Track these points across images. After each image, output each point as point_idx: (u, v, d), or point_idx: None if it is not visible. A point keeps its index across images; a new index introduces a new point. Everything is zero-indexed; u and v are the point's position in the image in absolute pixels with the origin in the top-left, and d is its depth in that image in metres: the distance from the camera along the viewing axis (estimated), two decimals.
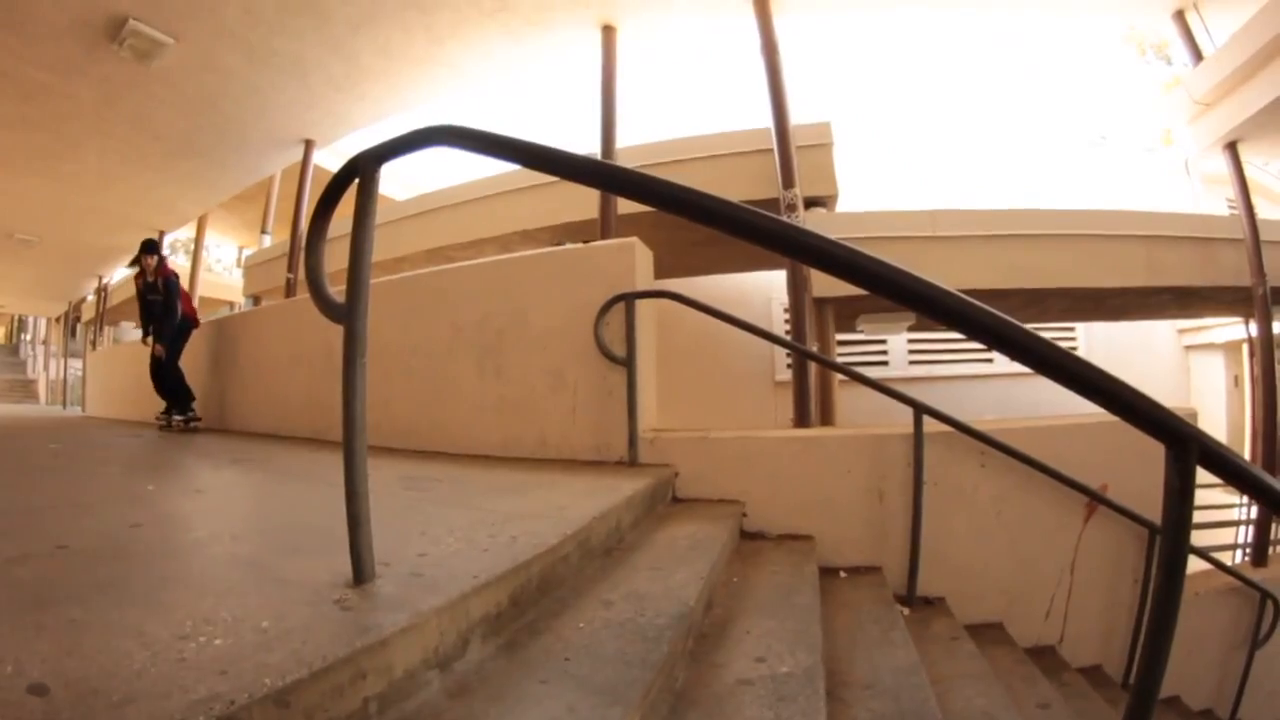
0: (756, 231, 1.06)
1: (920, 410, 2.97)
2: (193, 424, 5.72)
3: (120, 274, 13.44)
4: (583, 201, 5.19)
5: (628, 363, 3.08)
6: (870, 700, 1.76)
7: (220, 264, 18.13)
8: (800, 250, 1.08)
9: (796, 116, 4.76)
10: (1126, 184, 9.92)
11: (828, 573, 2.86)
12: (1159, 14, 5.67)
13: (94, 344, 14.17)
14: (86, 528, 1.84)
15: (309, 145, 7.17)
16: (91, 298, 14.68)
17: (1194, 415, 3.49)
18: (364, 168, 1.43)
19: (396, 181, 10.68)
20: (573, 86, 6.29)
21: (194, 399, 5.82)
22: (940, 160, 9.88)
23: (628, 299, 3.08)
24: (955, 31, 6.42)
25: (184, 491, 2.73)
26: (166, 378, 5.70)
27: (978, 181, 10.00)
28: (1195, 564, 3.94)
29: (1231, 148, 5.45)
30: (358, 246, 1.43)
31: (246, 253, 12.48)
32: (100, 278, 13.46)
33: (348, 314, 1.41)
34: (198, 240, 11.01)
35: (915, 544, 2.97)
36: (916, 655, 2.07)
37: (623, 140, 5.24)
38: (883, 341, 8.91)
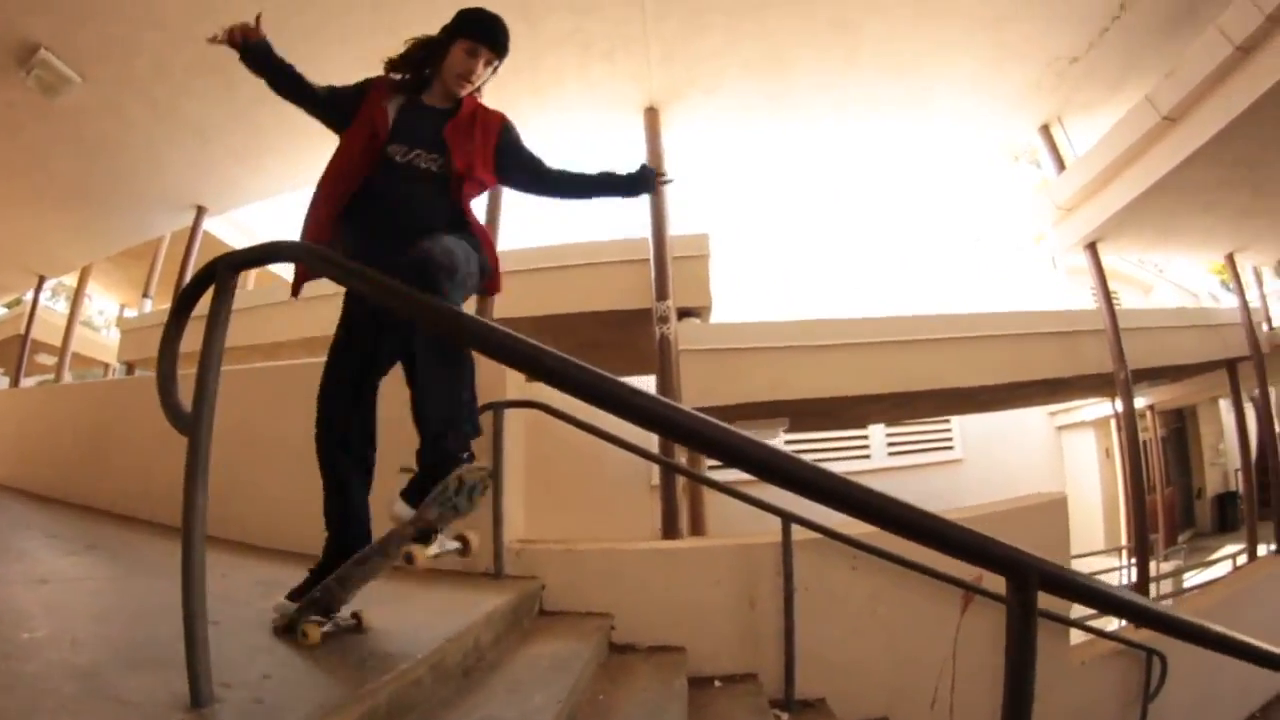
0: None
1: (787, 519, 3.05)
2: None
3: None
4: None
5: (493, 473, 3.00)
6: None
7: (103, 315, 16.91)
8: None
9: (675, 227, 4.92)
10: (1000, 280, 10.72)
11: (702, 682, 2.86)
12: (1027, 127, 6.31)
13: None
14: None
15: (201, 211, 6.94)
16: None
17: (1064, 499, 3.77)
18: (221, 274, 1.41)
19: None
20: None
21: None
22: (822, 266, 10.45)
23: (495, 408, 3.04)
24: (834, 140, 6.88)
25: (25, 581, 2.47)
26: None
27: (858, 286, 10.57)
28: (1080, 633, 4.14)
29: (1092, 247, 6.06)
30: (208, 354, 1.39)
31: (129, 313, 11.72)
32: None
33: (193, 424, 1.34)
34: (78, 290, 10.28)
35: (790, 648, 2.99)
36: None
37: (514, 241, 5.35)
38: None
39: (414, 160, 2.04)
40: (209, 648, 1.26)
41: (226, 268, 1.40)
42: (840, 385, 5.16)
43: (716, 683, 2.91)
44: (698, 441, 1.09)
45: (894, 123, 6.42)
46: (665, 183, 2.54)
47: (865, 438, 10.46)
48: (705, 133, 6.05)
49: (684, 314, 4.96)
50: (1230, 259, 7.75)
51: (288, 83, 2.17)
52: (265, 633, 1.85)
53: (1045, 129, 6.26)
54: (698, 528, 4.61)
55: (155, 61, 4.76)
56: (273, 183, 6.53)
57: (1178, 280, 13.23)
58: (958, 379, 5.60)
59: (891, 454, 10.62)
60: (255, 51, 2.10)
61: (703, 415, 1.03)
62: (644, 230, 4.92)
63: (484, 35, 2.09)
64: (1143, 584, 5.43)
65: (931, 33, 5.18)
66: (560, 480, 7.55)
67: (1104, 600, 1.12)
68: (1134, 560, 6.12)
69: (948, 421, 10.96)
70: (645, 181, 2.36)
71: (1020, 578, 1.01)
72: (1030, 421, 11.70)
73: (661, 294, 4.63)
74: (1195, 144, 4.89)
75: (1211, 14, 4.62)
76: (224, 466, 3.35)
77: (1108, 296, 5.89)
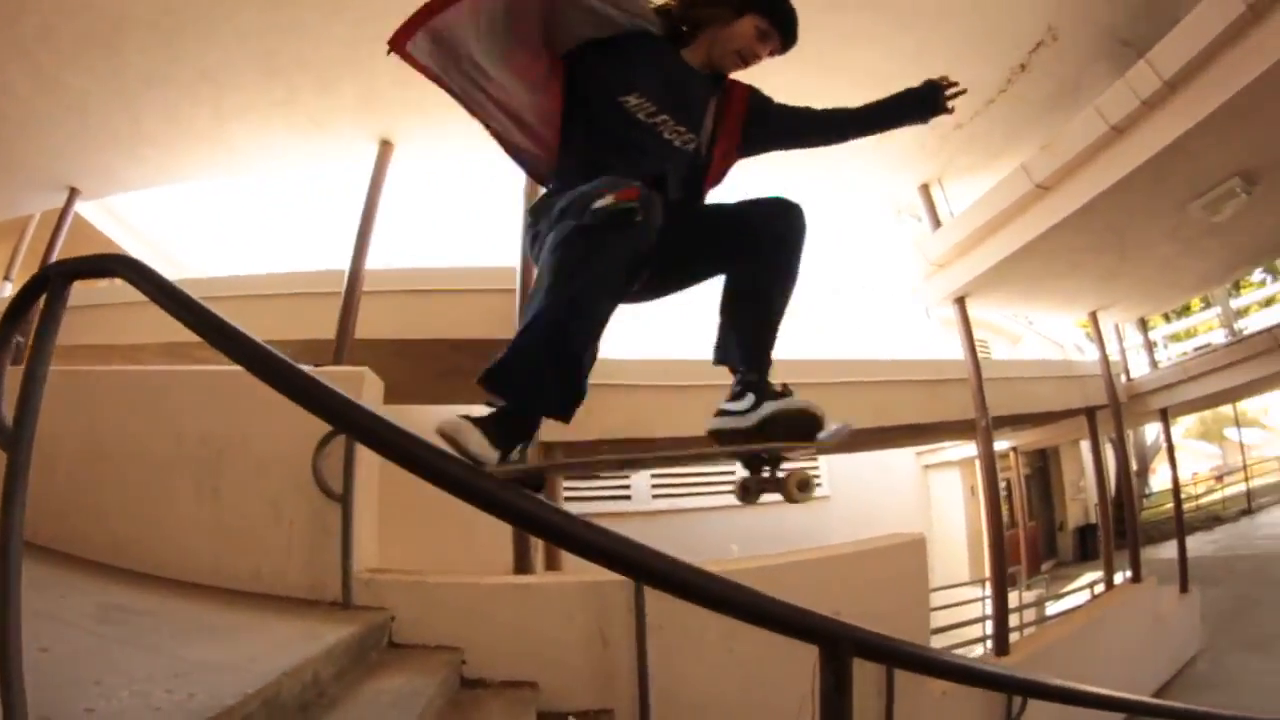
0: None
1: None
2: None
3: None
4: (329, 319, 4.93)
5: (344, 499, 2.93)
6: None
7: None
8: None
9: None
10: (880, 329, 11.24)
11: (555, 718, 2.84)
12: (909, 185, 6.72)
13: None
14: None
15: (74, 194, 6.46)
16: None
17: (922, 539, 3.97)
18: (54, 282, 1.34)
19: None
20: (346, 193, 6.24)
21: None
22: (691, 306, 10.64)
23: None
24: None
25: None
26: None
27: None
28: None
29: (960, 301, 6.46)
30: (34, 367, 1.31)
31: None
32: None
33: (12, 443, 1.26)
34: None
35: (644, 686, 2.99)
36: None
37: (379, 260, 5.24)
38: (625, 476, 9.15)
39: (659, 126, 1.78)
40: (23, 676, 1.17)
41: (59, 275, 1.33)
42: (698, 424, 5.22)
43: (571, 718, 2.88)
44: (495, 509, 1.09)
45: (778, 169, 6.68)
46: (957, 93, 2.10)
47: (731, 472, 10.44)
48: None
49: None
50: (1093, 316, 8.38)
51: None
52: (96, 665, 1.72)
53: (925, 188, 6.66)
54: (554, 563, 4.59)
55: (43, 26, 4.42)
56: (150, 174, 6.17)
57: (1046, 332, 14.17)
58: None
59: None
60: None
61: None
62: (512, 259, 4.86)
63: (785, 24, 1.85)
64: (1000, 614, 5.76)
65: (825, 88, 5.45)
66: (419, 508, 7.35)
67: (920, 663, 1.16)
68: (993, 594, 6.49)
69: (815, 460, 11.06)
70: (934, 98, 2.08)
71: (832, 646, 1.03)
72: (897, 461, 12.18)
73: None
74: (1065, 212, 5.28)
75: (1093, 95, 4.97)
76: (66, 476, 3.11)
77: (973, 348, 6.27)
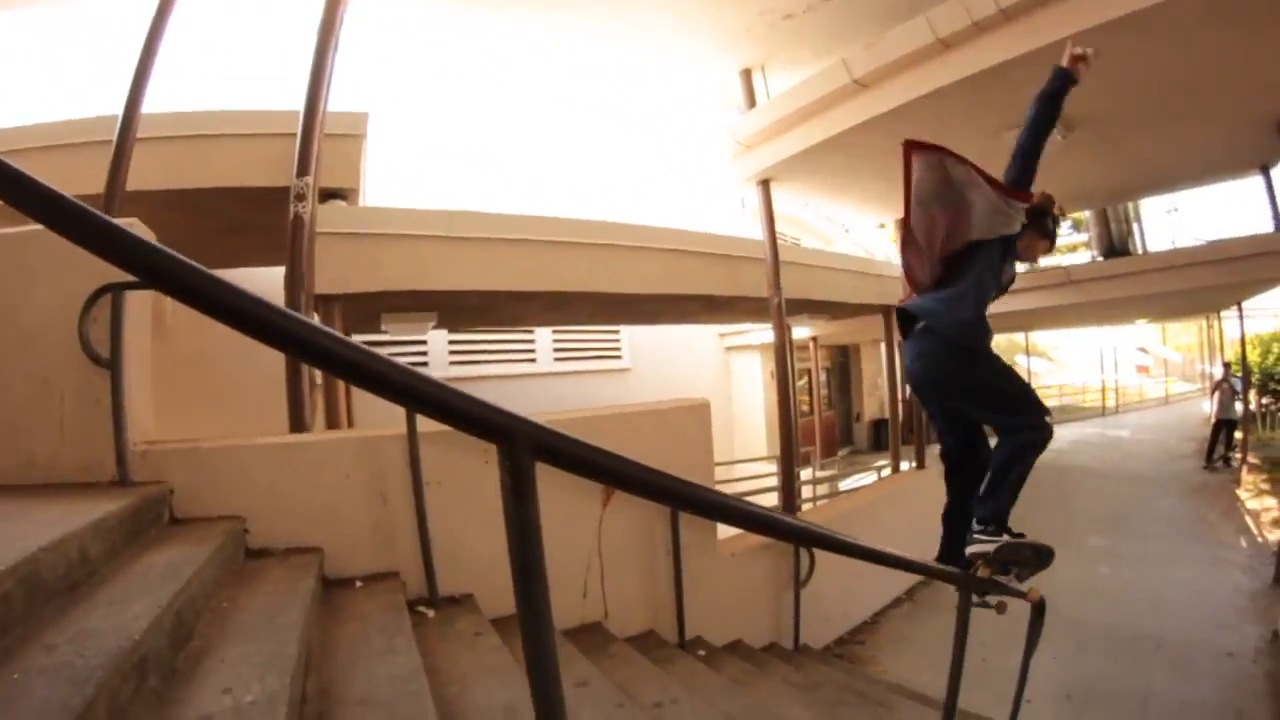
0: None
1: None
2: None
3: None
4: (97, 172, 4.22)
5: (112, 364, 2.68)
6: (366, 715, 1.77)
7: None
8: None
9: (333, 104, 4.48)
10: (690, 212, 11.48)
11: (344, 583, 2.87)
12: (730, 68, 6.67)
13: None
14: None
15: None
16: None
17: (707, 404, 4.13)
18: None
19: None
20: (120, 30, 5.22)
21: None
22: (505, 171, 10.30)
23: (114, 289, 2.65)
24: (540, 42, 6.75)
25: None
26: None
27: (545, 197, 10.68)
28: (732, 529, 4.58)
29: (765, 184, 6.61)
30: None
31: None
32: None
33: None
34: None
35: (426, 545, 3.05)
36: (419, 661, 2.11)
37: (156, 103, 4.49)
38: (423, 342, 9.12)
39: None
40: None
41: None
42: (487, 280, 5.17)
43: (358, 583, 2.89)
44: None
45: (604, 33, 6.42)
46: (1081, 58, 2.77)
47: (531, 342, 10.59)
48: (399, 13, 5.58)
49: (329, 196, 4.66)
50: (899, 224, 8.90)
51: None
52: None
53: (747, 73, 6.71)
54: (336, 422, 4.48)
55: None
56: None
57: (861, 240, 15.13)
58: (611, 285, 5.81)
59: (558, 359, 10.87)
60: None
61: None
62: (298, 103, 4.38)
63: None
64: (787, 482, 6.21)
65: None
66: (216, 383, 6.84)
67: (600, 469, 1.14)
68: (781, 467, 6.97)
69: (617, 332, 11.47)
70: (1069, 74, 2.75)
71: (509, 442, 0.99)
72: (701, 340, 12.73)
73: (303, 169, 4.15)
74: (877, 111, 5.50)
75: (928, 6, 5.09)
76: None
77: (772, 229, 6.52)
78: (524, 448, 0.99)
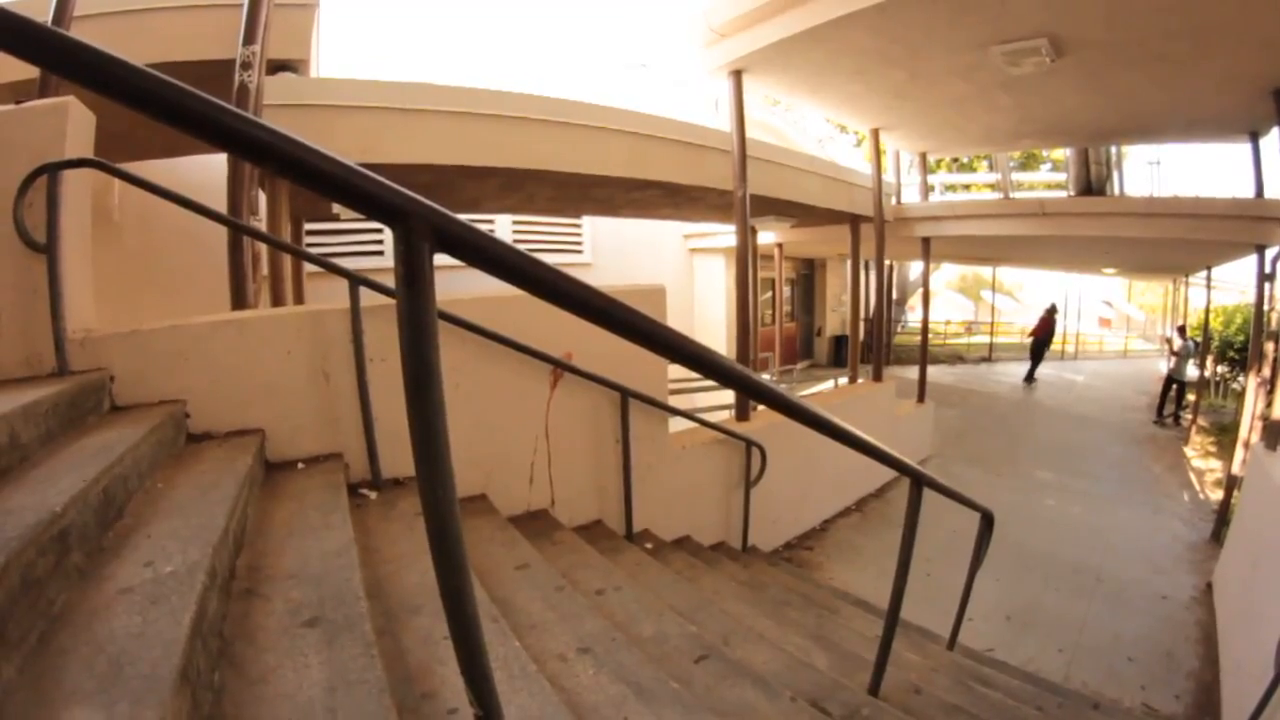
0: None
1: (355, 281, 2.98)
2: None
3: None
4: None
5: (48, 249, 2.53)
6: (291, 590, 1.77)
7: None
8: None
9: None
10: (660, 111, 11.20)
11: (286, 465, 2.84)
12: None
13: None
14: None
15: None
16: None
17: (662, 288, 4.03)
18: None
19: None
20: None
21: None
22: (470, 55, 9.77)
23: (50, 170, 2.52)
24: None
25: None
26: None
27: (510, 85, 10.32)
28: (685, 423, 4.64)
29: (737, 75, 6.27)
30: None
31: None
32: None
33: None
34: None
35: (369, 425, 3.01)
36: (350, 537, 2.10)
37: None
38: (379, 230, 8.94)
39: None
40: None
41: None
42: (438, 154, 4.94)
43: (300, 465, 2.86)
44: None
45: None
46: None
47: (491, 231, 10.33)
48: None
49: (279, 68, 4.44)
50: (875, 133, 8.71)
51: None
52: None
53: None
54: (283, 301, 4.36)
55: None
56: None
57: (836, 154, 14.81)
58: (571, 164, 5.60)
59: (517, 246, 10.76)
60: None
61: None
62: None
63: None
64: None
65: None
66: (153, 269, 6.53)
67: (503, 265, 0.99)
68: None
69: (579, 225, 11.37)
70: None
71: (404, 224, 0.89)
72: (664, 239, 12.60)
73: (249, 37, 3.92)
74: (859, 5, 5.13)
75: None
76: None
77: (741, 121, 6.23)
78: (421, 232, 0.90)
